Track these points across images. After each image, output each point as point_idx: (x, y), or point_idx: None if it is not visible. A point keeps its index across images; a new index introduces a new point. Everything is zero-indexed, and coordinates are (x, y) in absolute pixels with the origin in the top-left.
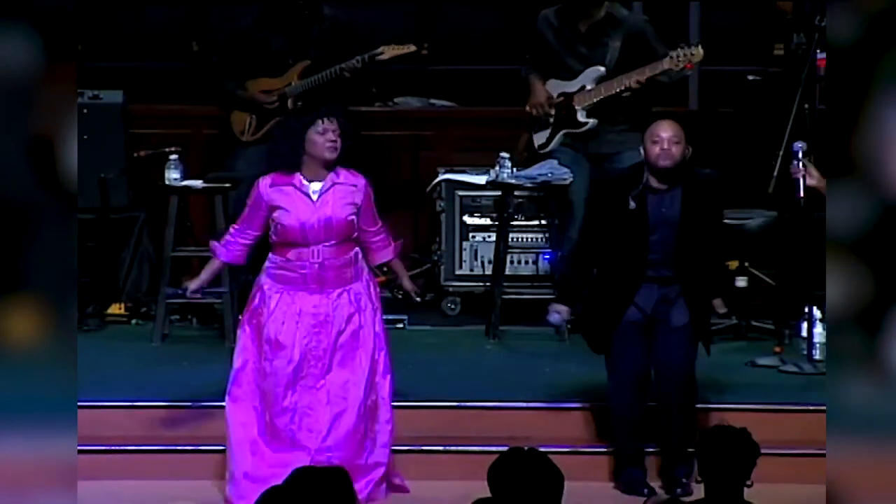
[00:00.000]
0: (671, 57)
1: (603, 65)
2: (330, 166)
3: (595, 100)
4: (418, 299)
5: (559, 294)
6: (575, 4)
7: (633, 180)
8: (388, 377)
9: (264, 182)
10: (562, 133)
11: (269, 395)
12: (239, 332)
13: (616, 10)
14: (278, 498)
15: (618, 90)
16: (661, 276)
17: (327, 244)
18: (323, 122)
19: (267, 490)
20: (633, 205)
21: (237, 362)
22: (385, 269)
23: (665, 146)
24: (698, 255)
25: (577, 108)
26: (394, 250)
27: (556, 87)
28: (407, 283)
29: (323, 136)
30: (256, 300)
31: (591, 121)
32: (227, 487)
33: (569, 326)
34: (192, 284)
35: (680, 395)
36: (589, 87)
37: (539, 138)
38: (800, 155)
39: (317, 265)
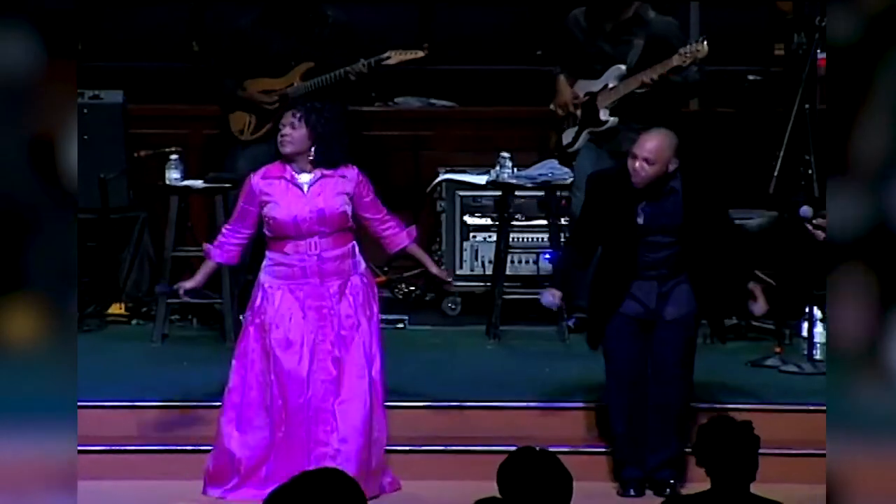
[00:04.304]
0: (679, 53)
1: (625, 63)
2: (294, 160)
3: (616, 98)
4: (451, 280)
5: (553, 279)
6: (602, 4)
7: (626, 175)
8: (381, 377)
9: (256, 176)
10: (587, 131)
11: (282, 393)
12: (242, 333)
13: (644, 11)
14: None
15: (634, 88)
16: (661, 275)
17: (322, 235)
18: (287, 116)
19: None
20: (641, 220)
21: (239, 364)
22: (389, 266)
23: (636, 166)
24: (705, 253)
25: (599, 106)
26: (408, 235)
27: (583, 87)
28: (435, 269)
29: (281, 131)
30: (259, 300)
31: (612, 119)
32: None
33: (569, 326)
34: (187, 284)
35: (669, 394)
36: (611, 86)
37: (566, 137)
38: (811, 218)
39: (315, 257)
